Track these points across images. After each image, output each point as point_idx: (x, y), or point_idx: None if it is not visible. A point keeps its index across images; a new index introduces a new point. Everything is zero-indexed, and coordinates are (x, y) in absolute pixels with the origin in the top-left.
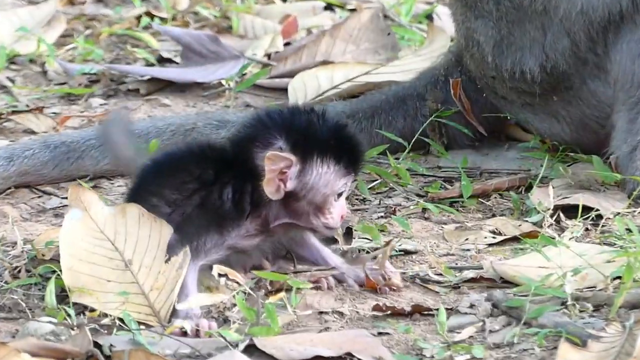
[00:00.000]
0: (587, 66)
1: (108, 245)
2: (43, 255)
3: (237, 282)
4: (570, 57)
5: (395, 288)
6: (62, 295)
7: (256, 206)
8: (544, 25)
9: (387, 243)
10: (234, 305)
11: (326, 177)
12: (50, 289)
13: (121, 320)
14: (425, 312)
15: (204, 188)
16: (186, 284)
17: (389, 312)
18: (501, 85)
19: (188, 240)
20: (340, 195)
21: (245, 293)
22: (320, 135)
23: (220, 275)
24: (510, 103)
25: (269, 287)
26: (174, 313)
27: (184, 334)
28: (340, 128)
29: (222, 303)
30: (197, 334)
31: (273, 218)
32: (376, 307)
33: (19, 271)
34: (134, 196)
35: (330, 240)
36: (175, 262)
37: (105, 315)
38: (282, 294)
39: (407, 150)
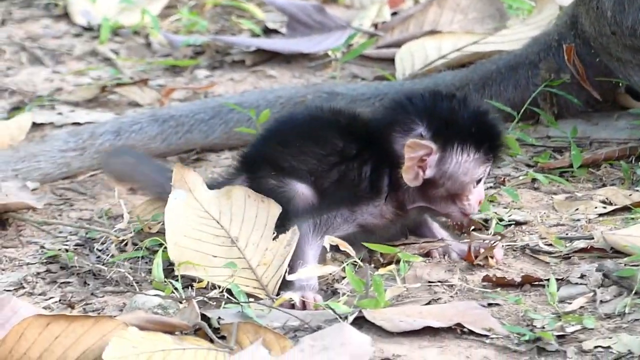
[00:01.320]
0: None
1: (213, 224)
2: (150, 228)
3: (348, 254)
4: None
5: (494, 263)
6: (169, 269)
7: (393, 189)
8: None
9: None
10: (344, 277)
11: (466, 165)
12: (158, 262)
13: (229, 293)
14: (536, 283)
15: (345, 162)
16: (306, 256)
17: (498, 283)
18: (617, 44)
19: (319, 213)
20: (478, 182)
21: (355, 265)
22: (462, 123)
23: (330, 247)
24: (624, 65)
25: (381, 260)
26: (285, 285)
27: (292, 306)
28: (482, 115)
29: (332, 275)
30: (304, 306)
31: (409, 202)
32: (486, 278)
33: (126, 244)
34: (266, 148)
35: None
36: (284, 238)
37: (213, 288)
38: (392, 266)
39: (516, 120)
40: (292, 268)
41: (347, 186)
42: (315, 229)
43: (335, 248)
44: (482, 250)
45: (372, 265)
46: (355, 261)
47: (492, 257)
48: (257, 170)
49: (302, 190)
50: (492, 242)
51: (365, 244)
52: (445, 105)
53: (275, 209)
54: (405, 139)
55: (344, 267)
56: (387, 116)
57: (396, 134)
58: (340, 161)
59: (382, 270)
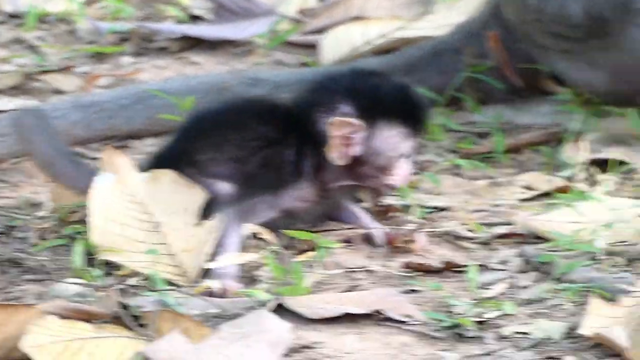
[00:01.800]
0: (629, 12)
1: (139, 208)
2: (71, 215)
3: (267, 241)
4: (616, 2)
5: (417, 248)
6: (90, 258)
7: (316, 170)
8: None
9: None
10: (263, 264)
11: (392, 140)
12: (78, 249)
13: (149, 281)
14: (456, 269)
15: (267, 147)
16: (227, 243)
17: (418, 269)
18: (540, 30)
19: (242, 198)
20: (404, 155)
21: (275, 252)
22: (385, 98)
23: (250, 234)
24: (547, 52)
25: (301, 247)
26: (207, 273)
27: (212, 294)
28: (404, 89)
29: (252, 262)
30: (224, 294)
31: (332, 181)
32: (406, 265)
33: (47, 232)
34: (183, 144)
35: (359, 199)
36: (207, 225)
37: (133, 275)
38: (311, 253)
39: (440, 106)
40: (213, 256)
41: (270, 171)
42: (238, 216)
43: (255, 235)
44: (404, 236)
45: (293, 252)
46: (275, 248)
47: (413, 243)
48: (176, 168)
49: (225, 190)
50: (414, 228)
51: (284, 231)
52: (368, 81)
53: (200, 195)
54: (330, 118)
55: (263, 255)
56: (310, 97)
57: (320, 114)
58: (263, 146)
59: (301, 257)
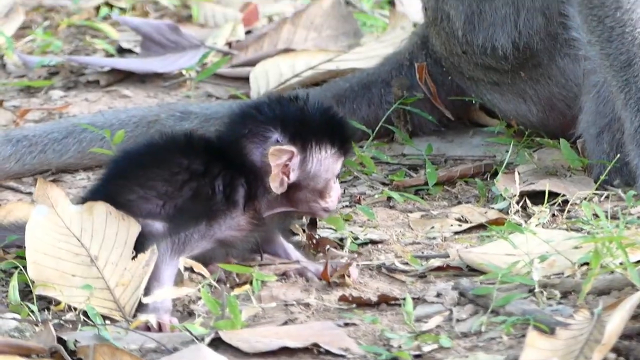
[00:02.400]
0: (557, 43)
1: (74, 241)
2: (6, 251)
3: (203, 275)
4: (543, 34)
5: (350, 282)
6: (26, 292)
7: (250, 199)
8: (515, 2)
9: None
10: (200, 298)
11: (325, 162)
12: (13, 284)
13: (86, 315)
14: (392, 302)
15: (195, 179)
16: (162, 277)
17: (355, 302)
18: (469, 63)
19: (175, 231)
20: (337, 177)
21: (210, 286)
22: (314, 122)
23: (185, 268)
24: (476, 84)
25: (237, 280)
26: (141, 307)
27: (149, 328)
28: (328, 110)
29: (188, 296)
30: (160, 328)
31: (266, 209)
32: (342, 298)
33: None
34: (111, 187)
35: (292, 233)
36: (142, 259)
37: (70, 310)
38: (247, 287)
39: (371, 138)
40: (148, 289)
41: (201, 202)
42: (173, 248)
43: (190, 269)
44: (338, 269)
45: (228, 286)
46: (210, 282)
47: (348, 276)
48: (123, 194)
49: (157, 228)
50: (348, 260)
51: (220, 265)
52: (293, 107)
53: (135, 228)
54: (262, 148)
55: (199, 288)
56: (238, 128)
57: (251, 144)
58: (189, 178)
59: (237, 291)
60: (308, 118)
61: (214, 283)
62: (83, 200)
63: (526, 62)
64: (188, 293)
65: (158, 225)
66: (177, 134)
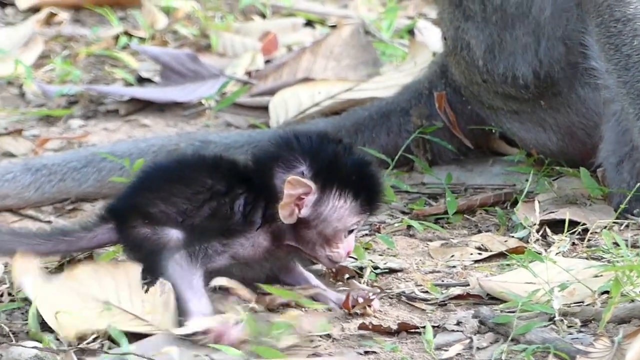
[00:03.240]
0: (577, 72)
1: (78, 299)
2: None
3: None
4: (564, 63)
5: (371, 312)
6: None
7: (267, 222)
8: (536, 32)
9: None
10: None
11: (341, 211)
12: (33, 312)
13: (110, 339)
14: (412, 330)
15: (215, 199)
16: (193, 287)
17: (375, 330)
18: (489, 91)
19: (191, 245)
20: (351, 231)
21: (252, 310)
22: (343, 168)
23: (220, 288)
24: (496, 113)
25: (270, 303)
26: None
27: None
28: (365, 165)
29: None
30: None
31: (280, 237)
32: (362, 326)
33: (1, 295)
34: (136, 197)
35: (311, 262)
36: (156, 290)
37: (94, 339)
38: (294, 312)
39: (390, 167)
40: (181, 301)
41: (219, 220)
42: (191, 260)
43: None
44: (360, 300)
45: (266, 311)
46: (250, 306)
47: (369, 306)
48: (127, 219)
49: (175, 236)
50: (371, 292)
51: (262, 285)
52: (330, 148)
53: (135, 271)
54: (286, 175)
55: (239, 311)
56: (272, 151)
57: (278, 169)
58: (210, 198)
59: (282, 317)
60: (339, 162)
61: (256, 306)
62: (110, 208)
63: (546, 90)
64: (228, 319)
65: (174, 232)
66: (207, 155)
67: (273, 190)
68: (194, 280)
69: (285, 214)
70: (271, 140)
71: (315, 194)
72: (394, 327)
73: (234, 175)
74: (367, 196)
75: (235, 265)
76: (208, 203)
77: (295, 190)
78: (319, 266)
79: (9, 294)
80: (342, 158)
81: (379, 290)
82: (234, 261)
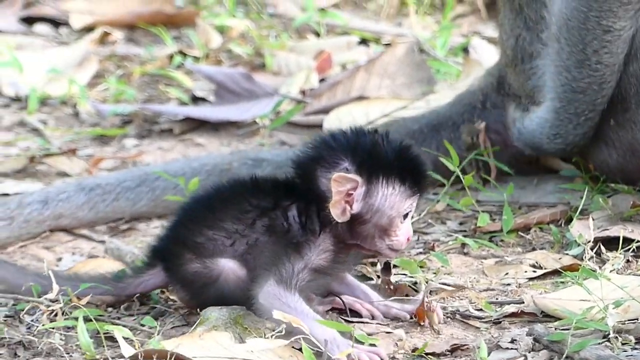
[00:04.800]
0: None
1: None
2: (78, 298)
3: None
4: (635, 79)
5: (436, 321)
6: (103, 336)
7: (326, 225)
8: None
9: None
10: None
11: (391, 198)
12: (82, 328)
13: None
14: (465, 348)
15: (265, 214)
16: (305, 312)
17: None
18: None
19: (275, 271)
20: (405, 216)
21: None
22: (385, 156)
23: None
24: None
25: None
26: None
27: None
28: (405, 148)
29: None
30: None
31: (346, 236)
32: (415, 350)
33: (55, 315)
34: (180, 231)
35: (366, 278)
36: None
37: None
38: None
39: (445, 189)
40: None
41: (277, 235)
42: (284, 283)
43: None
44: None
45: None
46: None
47: (434, 314)
48: (175, 257)
49: (226, 266)
50: (434, 302)
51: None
52: (369, 139)
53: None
54: (331, 175)
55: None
56: (311, 154)
57: (322, 170)
58: (260, 214)
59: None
60: (380, 151)
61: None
62: (154, 250)
63: (614, 106)
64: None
65: (225, 262)
66: (243, 177)
67: (321, 193)
68: (299, 307)
69: (337, 212)
70: (308, 145)
71: (362, 187)
72: (447, 347)
73: (277, 189)
74: (413, 178)
75: (315, 281)
76: (260, 219)
77: (343, 186)
78: (372, 282)
79: (64, 313)
80: (381, 146)
81: (438, 299)
82: (315, 274)
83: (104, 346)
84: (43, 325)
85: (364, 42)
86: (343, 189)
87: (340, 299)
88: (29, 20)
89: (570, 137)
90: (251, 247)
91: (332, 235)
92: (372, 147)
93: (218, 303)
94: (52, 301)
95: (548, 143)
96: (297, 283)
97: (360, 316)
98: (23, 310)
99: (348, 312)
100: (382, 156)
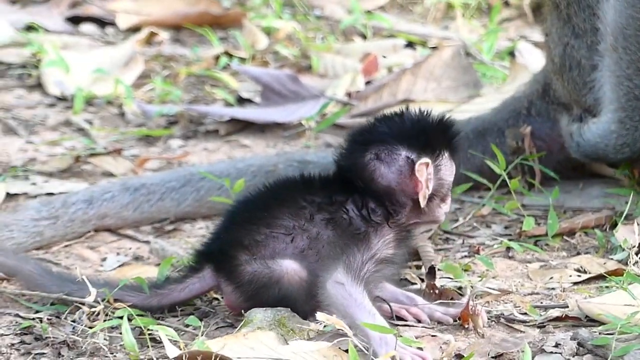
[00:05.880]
0: None
1: None
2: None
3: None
4: None
5: (481, 324)
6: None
7: (386, 214)
8: None
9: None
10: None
11: (449, 166)
12: (125, 327)
13: None
14: (510, 353)
15: (323, 209)
16: (365, 307)
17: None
18: None
19: (345, 260)
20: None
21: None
22: (430, 130)
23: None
24: None
25: None
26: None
27: None
28: (434, 117)
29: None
30: None
31: (408, 218)
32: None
33: (98, 315)
34: (235, 232)
35: (410, 282)
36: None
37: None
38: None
39: (491, 193)
40: (355, 326)
41: (342, 228)
42: (351, 273)
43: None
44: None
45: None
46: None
47: (479, 317)
48: (230, 259)
49: (290, 267)
50: (478, 305)
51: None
52: (406, 121)
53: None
54: (396, 167)
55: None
56: (360, 154)
57: (382, 166)
58: (318, 209)
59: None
60: (426, 128)
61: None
62: (204, 252)
63: None
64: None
65: (287, 264)
66: (293, 176)
67: (386, 188)
68: (360, 299)
69: (422, 199)
70: (349, 145)
71: (431, 166)
72: (493, 351)
73: (329, 185)
74: (450, 139)
75: (382, 269)
76: (318, 214)
77: (424, 173)
78: (416, 286)
79: (106, 314)
80: (419, 122)
81: (482, 302)
82: (382, 264)
83: (148, 346)
84: (87, 325)
85: (410, 45)
86: (425, 176)
87: (388, 304)
88: (76, 20)
89: (637, 144)
90: (313, 241)
91: (397, 224)
92: (415, 126)
93: (277, 305)
94: (95, 301)
95: (614, 153)
96: (365, 274)
97: (406, 321)
98: (65, 311)
99: (395, 317)
100: (427, 131)
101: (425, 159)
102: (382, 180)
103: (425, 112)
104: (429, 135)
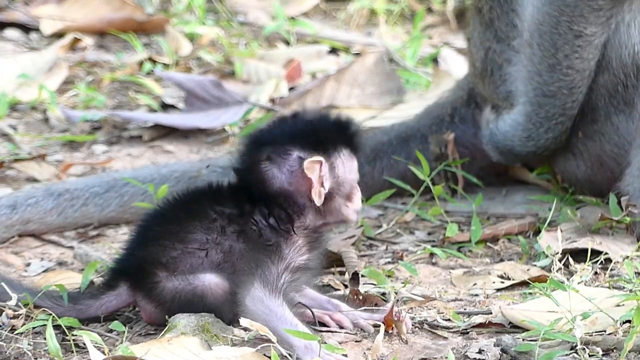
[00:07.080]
0: (614, 99)
1: None
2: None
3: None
4: (605, 90)
5: (404, 330)
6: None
7: (294, 220)
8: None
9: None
10: None
11: (348, 163)
12: (50, 332)
13: None
14: (433, 359)
15: (234, 222)
16: (286, 319)
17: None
18: None
19: (259, 274)
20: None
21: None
22: (325, 129)
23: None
24: None
25: None
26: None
27: None
28: (330, 116)
29: None
30: None
31: (315, 221)
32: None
33: (21, 318)
34: (150, 249)
35: (333, 289)
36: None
37: None
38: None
39: (414, 199)
40: (278, 336)
41: (252, 240)
42: (268, 287)
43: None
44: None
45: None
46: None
47: (403, 323)
48: (146, 276)
49: (212, 281)
50: (402, 311)
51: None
52: (300, 122)
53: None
54: (286, 168)
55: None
56: (253, 156)
57: (274, 168)
58: (229, 222)
59: None
60: (319, 127)
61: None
62: (119, 270)
63: (583, 118)
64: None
65: (209, 278)
66: (199, 186)
67: (281, 191)
68: (280, 312)
69: (317, 197)
70: (242, 150)
71: (326, 164)
72: (416, 357)
73: (236, 196)
74: (351, 138)
75: (299, 276)
76: (229, 226)
77: (315, 171)
78: (340, 292)
79: (27, 317)
80: (314, 122)
81: (407, 309)
82: (298, 272)
83: (72, 351)
84: (10, 329)
85: (333, 51)
86: (317, 173)
87: (311, 310)
88: None
89: (541, 140)
90: (227, 254)
91: (304, 227)
92: (309, 126)
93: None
94: (15, 306)
95: (520, 145)
96: (282, 286)
97: (330, 327)
98: None
99: (317, 323)
100: (322, 130)
101: (316, 157)
102: (275, 181)
103: (322, 113)
104: (322, 134)
